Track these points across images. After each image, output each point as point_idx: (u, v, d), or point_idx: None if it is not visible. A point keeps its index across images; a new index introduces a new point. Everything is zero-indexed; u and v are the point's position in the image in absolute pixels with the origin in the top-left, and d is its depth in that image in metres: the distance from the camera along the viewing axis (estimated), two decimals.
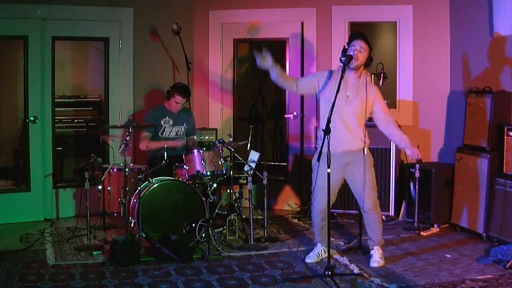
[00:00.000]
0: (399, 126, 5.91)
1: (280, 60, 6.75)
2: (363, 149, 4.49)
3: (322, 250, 4.61)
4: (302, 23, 6.50)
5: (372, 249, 4.58)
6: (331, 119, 4.10)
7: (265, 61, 4.37)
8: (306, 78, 4.67)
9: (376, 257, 4.51)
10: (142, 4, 6.32)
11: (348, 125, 4.42)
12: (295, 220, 6.01)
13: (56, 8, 5.94)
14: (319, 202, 4.49)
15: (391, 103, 6.07)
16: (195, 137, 5.96)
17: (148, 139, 5.60)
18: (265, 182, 5.16)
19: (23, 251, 4.82)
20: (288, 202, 6.62)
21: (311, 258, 4.59)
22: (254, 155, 5.39)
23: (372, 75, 5.61)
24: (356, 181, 4.53)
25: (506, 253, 4.52)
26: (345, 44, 4.44)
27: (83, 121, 7.59)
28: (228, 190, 5.57)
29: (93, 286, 4.05)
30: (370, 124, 4.60)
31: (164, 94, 5.76)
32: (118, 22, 6.22)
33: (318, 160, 4.16)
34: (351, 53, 4.32)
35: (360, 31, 4.54)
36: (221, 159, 5.08)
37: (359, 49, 4.35)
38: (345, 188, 4.87)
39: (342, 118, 4.40)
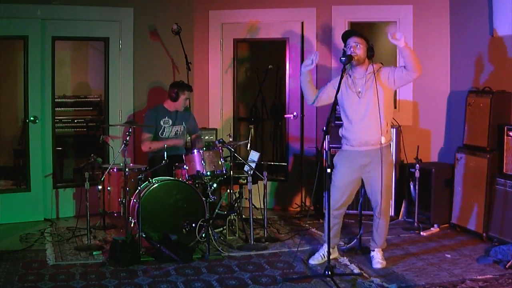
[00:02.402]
0: (399, 126, 5.95)
1: (280, 60, 6.81)
2: (382, 146, 4.38)
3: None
4: (302, 23, 6.49)
5: (373, 250, 4.57)
6: (350, 119, 4.37)
7: (309, 65, 4.39)
8: (323, 89, 4.59)
9: (378, 259, 4.50)
10: (142, 4, 6.32)
11: (365, 121, 4.38)
12: (295, 220, 6.01)
13: (56, 8, 5.94)
14: (333, 202, 4.41)
15: None
16: (200, 134, 5.98)
17: (149, 141, 5.60)
18: (265, 182, 5.16)
19: (23, 251, 4.82)
20: (288, 202, 6.62)
21: (315, 260, 4.56)
22: (254, 155, 5.39)
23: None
24: (372, 183, 4.46)
25: (506, 253, 4.52)
26: (344, 48, 4.44)
27: (83, 121, 7.58)
28: (228, 190, 5.57)
29: (93, 286, 4.05)
30: None
31: (169, 96, 5.65)
32: (118, 22, 6.22)
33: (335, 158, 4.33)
34: (349, 53, 4.33)
35: (360, 31, 4.52)
36: (221, 159, 5.08)
37: (355, 45, 4.36)
38: None
39: (358, 115, 4.38)
